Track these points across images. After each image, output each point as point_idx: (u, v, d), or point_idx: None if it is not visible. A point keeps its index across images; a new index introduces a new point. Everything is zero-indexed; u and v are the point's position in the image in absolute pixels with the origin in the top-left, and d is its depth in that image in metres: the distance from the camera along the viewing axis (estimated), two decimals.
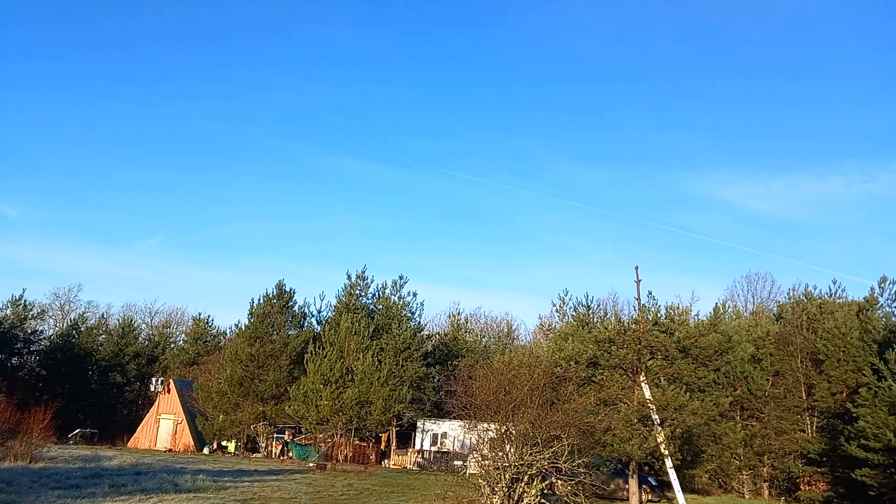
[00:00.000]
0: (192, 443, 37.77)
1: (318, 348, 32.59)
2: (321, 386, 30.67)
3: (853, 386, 29.94)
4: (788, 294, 40.83)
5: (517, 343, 52.98)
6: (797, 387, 32.64)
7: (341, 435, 32.44)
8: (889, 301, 33.16)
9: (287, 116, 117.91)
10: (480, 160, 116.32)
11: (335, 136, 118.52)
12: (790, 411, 32.51)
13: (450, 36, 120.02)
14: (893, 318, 32.36)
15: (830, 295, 36.29)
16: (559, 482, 17.43)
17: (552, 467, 17.25)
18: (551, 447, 16.87)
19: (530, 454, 16.65)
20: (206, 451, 36.06)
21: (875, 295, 33.33)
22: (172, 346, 55.71)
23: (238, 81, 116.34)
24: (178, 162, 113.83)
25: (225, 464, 27.63)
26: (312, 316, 38.58)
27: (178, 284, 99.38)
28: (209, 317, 53.97)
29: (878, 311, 32.70)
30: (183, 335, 57.87)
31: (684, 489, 29.43)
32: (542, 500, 16.80)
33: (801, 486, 32.16)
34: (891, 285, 33.28)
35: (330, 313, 37.86)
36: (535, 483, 16.73)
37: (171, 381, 41.41)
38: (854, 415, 28.00)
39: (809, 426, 32.49)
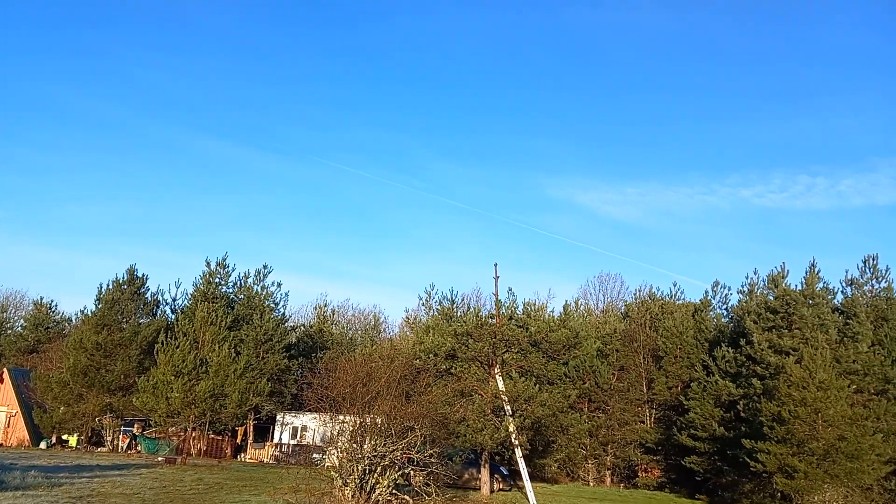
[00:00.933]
0: (27, 437, 34.95)
1: (171, 338, 31.20)
2: (172, 377, 29.40)
3: (686, 380, 32.72)
4: (635, 294, 43.88)
5: (384, 336, 53.31)
6: (639, 381, 35.18)
7: (194, 428, 31.26)
8: (720, 304, 36.54)
9: (162, 99, 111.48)
10: (355, 153, 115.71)
11: (209, 122, 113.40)
12: (632, 404, 34.97)
13: (336, 32, 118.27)
14: (723, 319, 35.68)
15: (671, 296, 39.44)
16: (413, 473, 17.86)
17: (406, 458, 17.64)
18: (405, 438, 17.24)
19: (384, 445, 16.92)
20: (43, 445, 33.50)
21: (708, 298, 36.58)
22: (9, 332, 51.26)
23: (110, 61, 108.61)
24: (33, 139, 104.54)
25: (63, 459, 25.87)
26: (167, 304, 36.83)
27: (17, 266, 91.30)
28: (52, 302, 50.13)
29: (711, 313, 35.92)
30: (21, 321, 53.35)
31: (535, 478, 30.91)
32: (395, 491, 17.13)
33: (640, 473, 34.74)
34: (722, 289, 36.68)
35: (186, 302, 36.27)
36: (388, 474, 17.02)
37: (4, 369, 38.07)
38: (686, 407, 30.64)
39: (648, 417, 35.13)
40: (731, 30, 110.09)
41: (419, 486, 17.48)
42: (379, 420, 17.36)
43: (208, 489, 19.29)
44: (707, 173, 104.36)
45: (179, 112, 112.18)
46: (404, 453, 17.44)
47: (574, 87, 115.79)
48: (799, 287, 29.26)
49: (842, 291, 31.06)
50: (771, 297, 29.83)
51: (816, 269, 29.41)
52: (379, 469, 16.91)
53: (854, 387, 24.89)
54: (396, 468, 17.27)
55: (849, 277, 31.37)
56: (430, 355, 24.05)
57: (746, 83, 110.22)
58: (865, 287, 31.12)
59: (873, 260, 31.18)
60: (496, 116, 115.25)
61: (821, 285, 29.60)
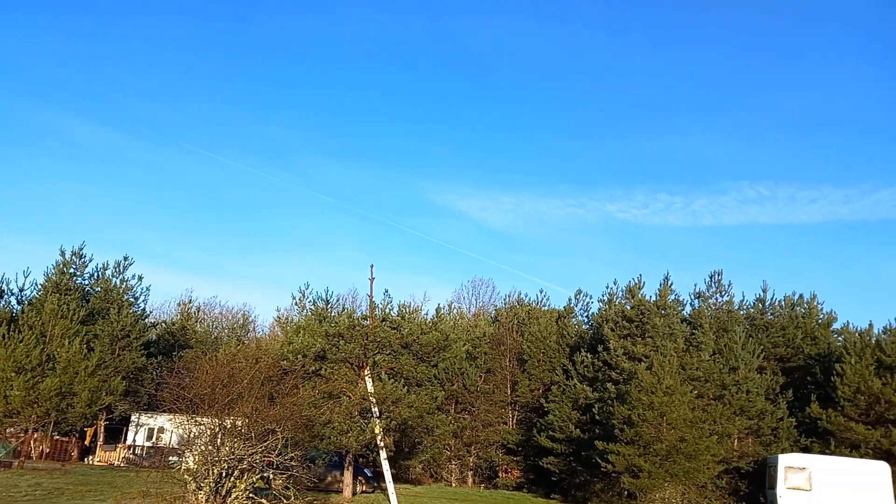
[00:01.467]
0: None
1: (14, 331, 28.73)
2: (13, 374, 27.08)
3: (548, 384, 34.13)
4: (505, 299, 45.34)
5: (253, 335, 51.72)
6: (504, 383, 36.30)
7: (36, 429, 28.95)
8: (582, 311, 38.45)
9: (21, 77, 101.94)
10: (235, 146, 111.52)
11: (63, 94, 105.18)
12: (497, 405, 36.01)
13: (223, 26, 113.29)
14: (584, 326, 37.56)
15: (538, 302, 41.05)
16: (273, 476, 17.48)
17: (266, 462, 17.24)
18: (266, 441, 16.86)
19: (243, 448, 16.47)
20: None
21: (571, 305, 38.41)
22: None
23: None
24: None
25: None
26: (12, 294, 33.85)
27: None
28: None
29: (573, 320, 37.71)
30: None
31: (399, 479, 31.11)
32: (252, 495, 16.71)
33: (500, 474, 35.81)
34: (584, 297, 38.62)
35: (35, 293, 33.51)
36: (245, 478, 16.57)
37: None
38: (546, 409, 31.97)
39: (511, 419, 36.32)
40: (608, 48, 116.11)
41: (278, 490, 17.16)
42: (239, 422, 16.88)
43: (47, 495, 17.97)
44: (577, 187, 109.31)
45: (40, 89, 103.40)
46: (264, 456, 17.05)
47: (457, 95, 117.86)
48: (653, 298, 31.38)
49: (690, 303, 33.65)
50: (628, 307, 31.79)
51: (669, 282, 31.70)
52: (236, 473, 16.43)
53: (696, 392, 27.03)
54: (255, 472, 16.85)
55: (697, 291, 34.02)
56: (299, 356, 23.63)
57: (618, 102, 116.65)
58: (711, 300, 33.84)
59: (718, 276, 33.98)
60: (381, 118, 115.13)
61: (672, 297, 31.92)
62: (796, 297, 34.22)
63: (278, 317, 34.30)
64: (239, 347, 30.41)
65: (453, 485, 35.32)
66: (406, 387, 24.78)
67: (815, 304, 33.83)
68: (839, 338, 32.21)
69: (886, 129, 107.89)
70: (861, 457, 25.59)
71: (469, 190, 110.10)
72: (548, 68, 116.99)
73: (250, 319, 54.83)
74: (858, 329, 30.88)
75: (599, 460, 25.80)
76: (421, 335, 24.96)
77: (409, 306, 30.73)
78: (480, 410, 35.37)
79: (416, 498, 26.16)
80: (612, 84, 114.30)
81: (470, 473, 36.29)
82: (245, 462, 16.35)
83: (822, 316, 33.55)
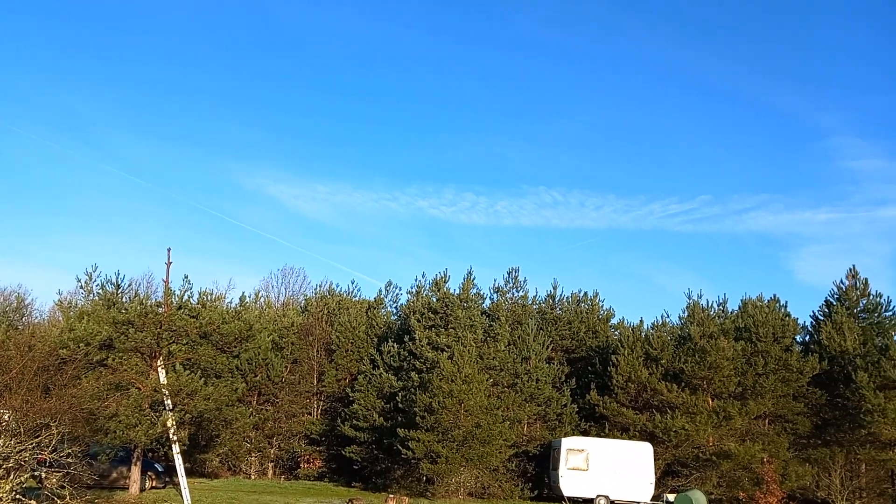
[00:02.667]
0: None
1: None
2: None
3: (355, 373, 34.36)
4: (316, 289, 44.86)
5: (29, 320, 46.46)
6: (311, 373, 35.94)
7: None
8: (391, 302, 39.14)
9: None
10: (29, 115, 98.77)
11: None
12: (302, 396, 35.57)
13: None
14: (393, 317, 38.29)
15: (349, 293, 41.12)
16: (46, 474, 15.92)
17: (40, 460, 15.69)
18: (38, 437, 15.31)
19: (9, 446, 14.82)
20: None
21: (382, 296, 38.98)
22: None
23: None
24: None
25: None
26: None
27: None
28: None
29: (383, 310, 38.29)
30: None
31: (195, 473, 29.70)
32: (19, 497, 15.10)
33: (302, 465, 35.45)
34: (394, 289, 39.34)
35: None
36: (11, 478, 14.93)
37: None
38: (351, 399, 32.18)
39: (316, 409, 36.07)
40: (428, 46, 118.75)
41: (51, 490, 15.65)
42: (7, 416, 15.19)
43: None
44: (391, 181, 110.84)
45: None
46: (36, 454, 15.48)
47: (273, 78, 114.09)
48: (457, 291, 32.75)
49: (490, 297, 35.55)
50: (434, 299, 32.89)
51: (472, 277, 33.23)
52: (1, 472, 14.75)
53: (492, 380, 28.70)
54: (25, 470, 15.24)
55: (496, 286, 35.96)
56: (82, 345, 21.67)
57: (435, 100, 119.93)
58: (508, 294, 35.97)
59: (516, 272, 36.19)
60: (193, 97, 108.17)
61: (474, 291, 33.49)
62: (581, 294, 37.54)
63: (60, 301, 31.09)
64: (10, 334, 27.18)
65: (252, 477, 34.38)
66: (204, 378, 23.73)
67: (597, 301, 37.30)
68: (616, 332, 35.78)
69: (662, 145, 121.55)
70: (630, 438, 28.70)
71: (283, 176, 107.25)
72: (370, 61, 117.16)
73: (26, 302, 49.16)
74: (631, 325, 34.54)
75: (400, 447, 26.50)
76: (222, 324, 24.01)
77: (212, 294, 29.29)
78: (284, 401, 34.73)
79: (211, 492, 25.15)
80: (428, 83, 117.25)
81: (270, 465, 35.53)
82: (12, 461, 14.73)
83: (602, 312, 37.07)
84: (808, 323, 34.64)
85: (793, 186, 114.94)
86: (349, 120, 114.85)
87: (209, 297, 26.75)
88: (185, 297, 24.40)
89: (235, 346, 25.75)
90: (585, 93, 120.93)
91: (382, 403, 31.21)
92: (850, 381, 29.19)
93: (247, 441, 33.33)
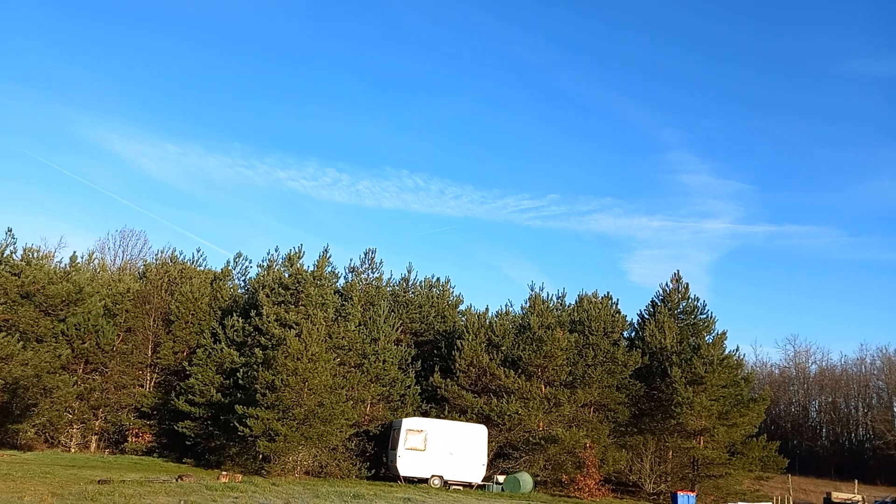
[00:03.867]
0: None
1: None
2: None
3: (194, 346, 32.93)
4: (157, 255, 42.40)
5: None
6: (145, 344, 34.01)
7: None
8: (240, 275, 37.87)
9: None
10: None
11: None
12: (134, 367, 33.62)
13: None
14: (240, 290, 37.06)
15: (193, 262, 39.23)
16: None
17: None
18: None
19: None
20: None
21: (230, 268, 37.59)
22: None
23: None
24: None
25: None
26: None
27: None
28: None
29: (229, 283, 36.94)
30: None
31: (5, 445, 27.29)
32: None
33: (129, 439, 33.53)
34: (244, 261, 38.11)
35: None
36: None
37: None
38: (188, 372, 30.85)
39: (149, 382, 34.23)
40: (301, 29, 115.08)
41: None
42: None
43: None
44: (249, 147, 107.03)
45: None
46: None
47: (130, 24, 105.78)
48: (311, 268, 32.30)
49: (344, 276, 35.44)
50: (286, 275, 32.23)
51: (328, 255, 32.92)
52: None
53: (339, 360, 28.65)
54: None
55: (351, 265, 35.99)
56: None
57: (298, 66, 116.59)
58: (363, 275, 36.07)
59: (372, 253, 36.36)
60: (34, 36, 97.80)
61: (329, 269, 33.25)
62: (434, 279, 38.38)
63: None
64: None
65: (73, 449, 32.06)
66: (22, 342, 21.79)
67: (449, 287, 38.34)
68: (463, 318, 36.96)
69: (518, 144, 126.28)
70: (467, 420, 29.80)
71: (131, 131, 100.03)
72: (237, 12, 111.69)
73: None
74: (478, 312, 35.83)
75: (238, 425, 25.82)
76: (48, 285, 22.20)
77: (38, 251, 26.93)
78: (115, 372, 32.64)
79: (22, 466, 23.18)
80: (296, 52, 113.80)
81: (94, 438, 33.29)
82: None
83: (452, 298, 38.13)
84: (635, 320, 37.61)
85: (633, 193, 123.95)
86: (208, 77, 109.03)
87: (35, 255, 24.61)
88: (7, 253, 22.25)
89: (62, 310, 23.90)
90: (450, 88, 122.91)
91: (222, 379, 30.22)
92: (665, 376, 32.09)
93: (68, 411, 31.03)
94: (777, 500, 28.37)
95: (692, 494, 29.76)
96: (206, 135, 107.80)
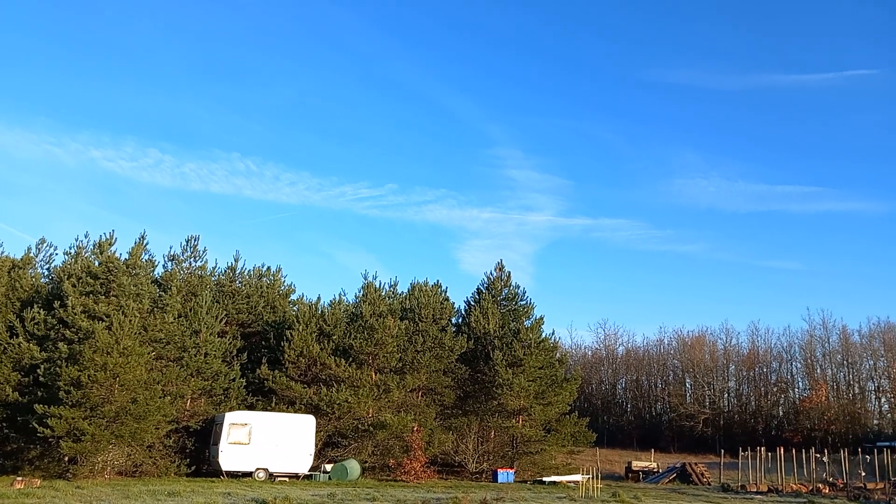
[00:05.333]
0: None
1: None
2: None
3: None
4: None
5: None
6: None
7: None
8: (43, 263, 34.40)
9: None
10: None
11: None
12: None
13: None
14: (43, 280, 33.72)
15: None
16: None
17: None
18: None
19: None
20: None
21: (31, 255, 34.02)
22: None
23: None
24: None
25: None
26: None
27: None
28: None
29: (31, 271, 33.47)
30: None
31: None
32: None
33: None
34: (48, 248, 34.64)
35: None
36: None
37: None
38: None
39: None
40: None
41: None
42: None
43: None
44: (58, 123, 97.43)
45: None
46: None
47: None
48: (125, 256, 30.11)
49: (163, 265, 33.43)
50: (96, 263, 29.80)
51: (145, 241, 30.83)
52: None
53: (155, 353, 27.08)
54: None
55: (171, 253, 33.99)
56: None
57: (112, 36, 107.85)
58: (185, 264, 34.21)
59: (195, 240, 34.54)
60: None
61: (146, 257, 31.16)
62: (265, 268, 37.37)
63: None
64: None
65: None
66: None
67: (280, 276, 37.51)
68: (294, 308, 36.34)
69: (358, 132, 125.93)
70: (295, 411, 29.44)
71: None
72: None
73: None
74: (310, 301, 35.41)
75: (37, 425, 23.63)
76: None
77: None
78: None
79: None
80: (110, 21, 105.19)
81: None
82: None
83: (283, 287, 37.36)
84: (462, 307, 39.08)
85: (465, 186, 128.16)
86: (9, 37, 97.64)
87: None
88: None
89: None
90: (285, 73, 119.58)
91: (20, 377, 27.36)
92: (488, 359, 33.74)
93: None
94: (584, 471, 30.88)
95: (511, 471, 31.64)
96: (6, 107, 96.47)
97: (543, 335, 36.15)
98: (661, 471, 37.52)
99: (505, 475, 30.92)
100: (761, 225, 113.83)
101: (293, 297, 38.03)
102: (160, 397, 25.45)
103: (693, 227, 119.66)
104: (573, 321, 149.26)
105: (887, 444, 36.94)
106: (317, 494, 18.91)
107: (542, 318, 36.70)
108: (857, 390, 59.78)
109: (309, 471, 27.97)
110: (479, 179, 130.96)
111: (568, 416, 35.96)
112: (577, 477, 29.69)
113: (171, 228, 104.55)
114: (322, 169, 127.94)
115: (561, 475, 32.31)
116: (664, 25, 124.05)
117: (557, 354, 38.04)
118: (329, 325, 32.28)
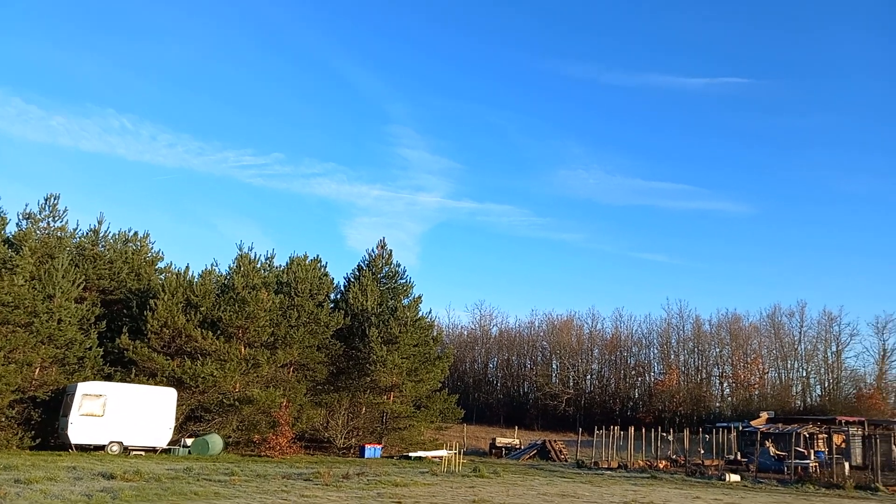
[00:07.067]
0: None
1: None
2: None
3: None
4: None
5: None
6: None
7: None
8: None
9: None
10: None
11: None
12: None
13: None
14: None
15: None
16: None
17: None
18: None
19: None
20: None
21: None
22: None
23: None
24: None
25: None
26: None
27: None
28: None
29: None
30: None
31: None
32: None
33: None
34: None
35: None
36: None
37: None
38: None
39: None
40: None
41: None
42: None
43: None
44: None
45: None
46: None
47: None
48: None
49: (17, 224, 30.90)
50: None
51: None
52: None
53: (1, 318, 25.08)
54: None
55: (27, 211, 31.43)
56: None
57: None
58: (42, 223, 31.77)
59: (55, 199, 32.09)
60: None
61: None
62: (131, 233, 35.33)
63: None
64: None
65: None
66: None
67: (147, 242, 35.59)
68: (161, 276, 34.69)
69: (244, 96, 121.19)
70: (157, 384, 28.24)
71: None
72: None
73: None
74: (178, 270, 33.94)
75: None
76: None
77: None
78: None
79: None
80: None
81: None
82: None
83: (150, 254, 35.52)
84: (342, 284, 38.87)
85: (356, 161, 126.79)
86: None
87: None
88: None
89: None
90: (167, 27, 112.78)
91: None
92: (364, 336, 33.82)
93: None
94: (449, 447, 31.72)
95: (378, 447, 32.04)
96: None
97: (420, 314, 36.70)
98: (522, 447, 39.25)
99: (372, 450, 31.27)
100: (635, 218, 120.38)
101: (161, 264, 36.30)
102: (4, 364, 23.65)
103: (573, 216, 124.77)
104: (452, 301, 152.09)
105: (725, 424, 40.44)
106: (172, 469, 18.32)
107: (420, 297, 37.23)
108: (704, 375, 64.92)
109: (168, 445, 27.01)
110: (372, 156, 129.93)
111: (438, 394, 36.78)
112: (443, 452, 30.49)
113: (36, 185, 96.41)
114: (204, 132, 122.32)
115: (428, 451, 33.09)
116: (563, 19, 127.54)
117: (433, 333, 38.71)
118: (197, 296, 31.12)
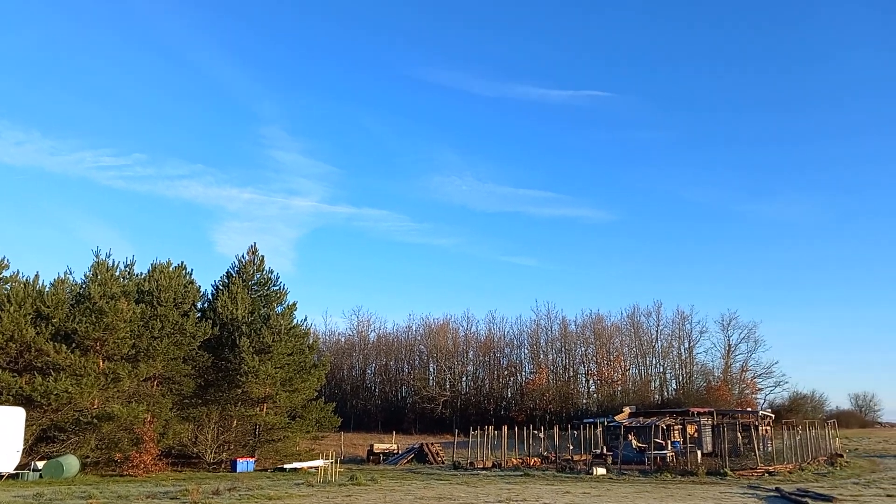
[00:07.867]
0: None
1: None
2: None
3: None
4: None
5: None
6: None
7: None
8: None
9: None
10: None
11: None
12: None
13: None
14: None
15: None
16: None
17: None
18: None
19: None
20: None
21: None
22: None
23: None
24: None
25: None
26: None
27: None
28: None
29: None
30: None
31: None
32: None
33: None
34: None
35: None
36: None
37: None
38: None
39: None
40: None
41: None
42: None
43: None
44: None
45: None
46: None
47: None
48: None
49: None
50: None
51: None
52: None
53: None
54: None
55: None
56: None
57: None
58: None
59: None
60: None
61: None
62: None
63: None
64: None
65: None
66: None
67: None
68: (7, 286, 31.73)
69: (104, 92, 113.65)
70: (3, 403, 25.81)
71: None
72: None
73: None
74: (26, 278, 31.19)
75: None
76: None
77: None
78: None
79: None
80: None
81: None
82: None
83: None
84: (210, 292, 37.25)
85: (225, 163, 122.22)
86: None
87: None
88: None
89: None
90: (27, 15, 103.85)
91: None
92: (234, 346, 32.60)
93: None
94: (326, 456, 31.20)
95: (251, 460, 31.01)
96: None
97: (295, 321, 35.91)
98: (400, 452, 39.32)
99: (244, 464, 30.21)
100: (505, 224, 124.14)
101: (6, 273, 33.15)
102: None
103: (448, 222, 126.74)
104: (329, 308, 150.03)
105: (591, 420, 42.51)
106: (20, 496, 16.82)
107: (294, 304, 36.45)
108: (571, 373, 67.95)
109: (15, 469, 24.75)
110: (242, 157, 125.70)
111: (314, 402, 36.13)
112: (319, 462, 29.97)
113: None
114: (56, 130, 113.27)
115: (303, 461, 32.39)
116: (435, 25, 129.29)
117: (309, 341, 37.97)
118: (49, 307, 28.77)
